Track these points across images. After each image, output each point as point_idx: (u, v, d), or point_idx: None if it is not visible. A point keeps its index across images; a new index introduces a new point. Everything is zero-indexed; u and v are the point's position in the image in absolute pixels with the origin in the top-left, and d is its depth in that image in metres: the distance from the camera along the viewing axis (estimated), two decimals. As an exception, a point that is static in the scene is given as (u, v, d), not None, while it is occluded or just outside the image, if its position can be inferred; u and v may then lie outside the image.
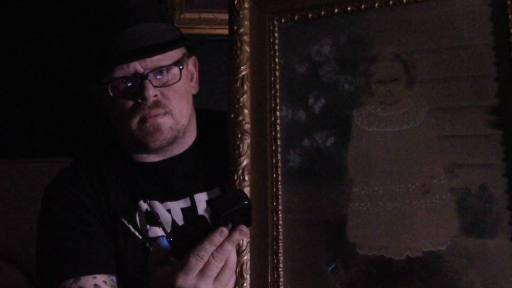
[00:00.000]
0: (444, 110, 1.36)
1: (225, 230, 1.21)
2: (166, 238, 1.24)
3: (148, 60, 1.50)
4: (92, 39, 1.57)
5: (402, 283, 1.32)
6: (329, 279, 1.38)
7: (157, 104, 1.52)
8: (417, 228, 1.33)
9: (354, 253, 1.37)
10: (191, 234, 1.22)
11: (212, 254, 1.21)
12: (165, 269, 1.25)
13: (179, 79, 1.54)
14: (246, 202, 1.21)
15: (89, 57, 1.59)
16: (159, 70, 1.52)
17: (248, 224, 1.24)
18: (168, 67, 1.53)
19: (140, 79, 1.50)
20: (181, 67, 1.54)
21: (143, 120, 1.52)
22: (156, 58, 1.51)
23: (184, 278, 1.22)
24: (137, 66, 1.50)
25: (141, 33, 1.50)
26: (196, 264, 1.21)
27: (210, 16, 2.47)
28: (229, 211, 1.20)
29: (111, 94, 1.52)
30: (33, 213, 1.63)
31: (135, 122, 1.52)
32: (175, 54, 1.55)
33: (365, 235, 1.37)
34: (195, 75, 1.66)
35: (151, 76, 1.50)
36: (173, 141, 1.56)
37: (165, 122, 1.53)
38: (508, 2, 1.33)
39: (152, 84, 1.50)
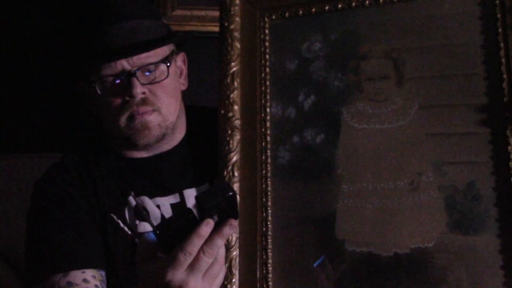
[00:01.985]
0: (433, 108, 1.36)
1: (211, 222, 1.19)
2: (153, 232, 1.22)
3: (135, 57, 1.50)
4: (80, 36, 1.56)
5: (390, 279, 1.32)
6: (318, 275, 1.38)
7: (145, 101, 1.52)
8: (405, 224, 1.33)
9: (342, 249, 1.37)
10: (178, 227, 1.20)
11: (203, 249, 1.19)
12: (153, 264, 1.23)
13: (167, 76, 1.54)
14: (230, 193, 1.19)
15: (77, 54, 1.58)
16: (146, 67, 1.52)
17: (235, 217, 1.23)
18: (156, 64, 1.53)
19: (127, 77, 1.50)
20: (168, 64, 1.54)
21: (131, 118, 1.52)
22: (143, 55, 1.51)
23: (173, 273, 1.19)
24: (124, 63, 1.50)
25: (129, 30, 1.50)
26: (185, 258, 1.19)
27: (202, 13, 2.48)
28: (213, 203, 1.19)
29: (99, 91, 1.52)
30: (22, 209, 1.63)
31: (123, 119, 1.52)
32: (162, 51, 1.55)
33: (354, 231, 1.37)
34: (184, 71, 1.66)
35: (138, 73, 1.50)
36: (161, 138, 1.57)
37: (153, 119, 1.53)
38: (497, 1, 1.33)
39: (139, 82, 1.50)
